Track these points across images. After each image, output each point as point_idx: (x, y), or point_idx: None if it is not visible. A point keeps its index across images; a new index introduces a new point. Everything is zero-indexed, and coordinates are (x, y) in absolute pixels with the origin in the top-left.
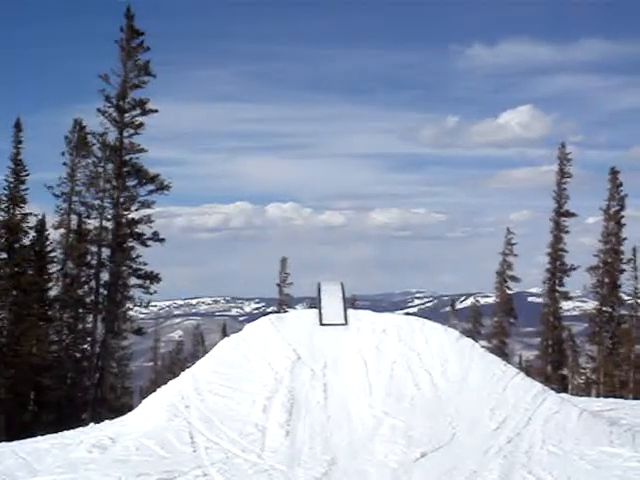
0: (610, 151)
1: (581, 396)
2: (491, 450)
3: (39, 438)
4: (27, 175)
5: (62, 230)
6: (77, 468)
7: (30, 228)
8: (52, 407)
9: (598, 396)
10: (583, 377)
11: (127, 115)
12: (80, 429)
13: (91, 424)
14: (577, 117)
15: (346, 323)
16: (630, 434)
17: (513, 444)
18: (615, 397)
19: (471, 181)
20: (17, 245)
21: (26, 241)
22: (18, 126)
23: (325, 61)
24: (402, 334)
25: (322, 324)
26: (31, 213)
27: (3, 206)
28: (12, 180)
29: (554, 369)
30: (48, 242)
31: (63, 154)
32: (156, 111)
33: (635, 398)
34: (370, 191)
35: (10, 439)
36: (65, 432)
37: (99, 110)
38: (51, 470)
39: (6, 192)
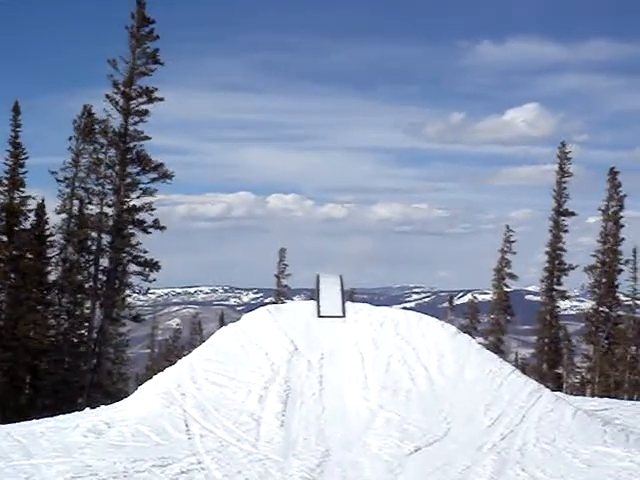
0: (614, 151)
1: (576, 395)
2: (485, 446)
3: (35, 421)
4: (26, 158)
5: (63, 215)
6: (72, 452)
7: (30, 211)
8: (48, 391)
9: (593, 396)
10: (578, 376)
11: (133, 102)
12: (76, 413)
13: (87, 409)
14: (582, 117)
15: (344, 316)
16: (624, 434)
17: (507, 441)
18: (610, 397)
19: (474, 178)
20: (17, 228)
21: (26, 225)
22: (17, 109)
23: (331, 54)
24: (399, 328)
25: (320, 316)
26: (30, 196)
27: (3, 189)
28: (11, 163)
29: (550, 367)
30: (48, 226)
31: (70, 139)
32: (162, 99)
33: (630, 399)
34: (372, 185)
35: (5, 422)
36: (61, 416)
37: (107, 96)
38: (46, 453)
39: (6, 175)
